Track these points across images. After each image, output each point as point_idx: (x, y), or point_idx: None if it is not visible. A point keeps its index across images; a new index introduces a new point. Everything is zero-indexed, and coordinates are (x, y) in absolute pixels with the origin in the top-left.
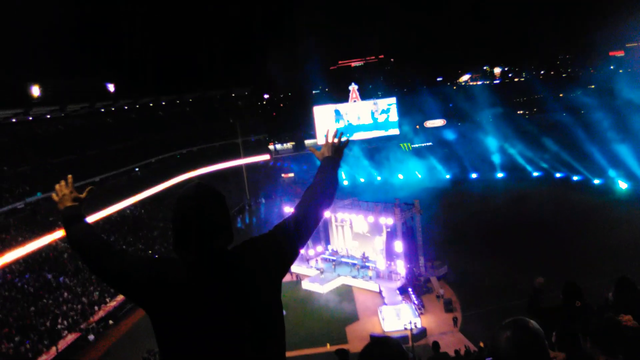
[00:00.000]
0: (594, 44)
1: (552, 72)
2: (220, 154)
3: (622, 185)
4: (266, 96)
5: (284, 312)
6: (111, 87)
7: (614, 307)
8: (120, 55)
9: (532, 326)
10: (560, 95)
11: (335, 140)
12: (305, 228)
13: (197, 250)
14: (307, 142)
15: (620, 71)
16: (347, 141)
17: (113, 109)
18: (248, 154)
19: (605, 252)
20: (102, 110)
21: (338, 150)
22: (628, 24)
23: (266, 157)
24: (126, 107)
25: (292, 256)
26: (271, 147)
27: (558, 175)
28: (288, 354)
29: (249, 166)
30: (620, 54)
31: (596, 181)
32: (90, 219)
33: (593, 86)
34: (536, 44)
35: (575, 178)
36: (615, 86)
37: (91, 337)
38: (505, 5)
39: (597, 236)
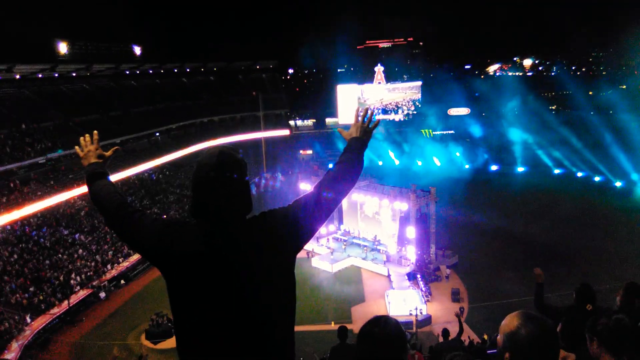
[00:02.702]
0: (629, 43)
1: (583, 69)
2: (241, 125)
3: None
4: (291, 71)
5: None
6: (137, 50)
7: (620, 312)
8: (149, 18)
9: (548, 324)
10: (590, 93)
11: (365, 120)
12: (324, 207)
13: (215, 219)
14: (328, 120)
15: None
16: (378, 122)
17: (138, 71)
18: (268, 127)
19: (621, 256)
20: (127, 72)
21: (367, 132)
22: None
23: (286, 132)
24: (151, 71)
25: (309, 233)
26: (292, 122)
27: (580, 174)
28: None
29: (268, 140)
30: None
31: (618, 183)
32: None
33: (624, 87)
34: (569, 39)
35: (596, 179)
36: None
37: (102, 294)
38: None
39: (614, 239)
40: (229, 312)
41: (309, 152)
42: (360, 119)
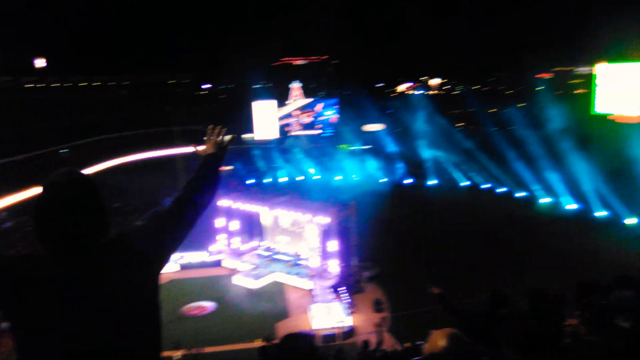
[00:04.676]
0: (527, 65)
1: (486, 88)
2: (155, 141)
3: (544, 200)
4: (206, 86)
5: (214, 305)
6: (40, 63)
7: (528, 315)
8: (53, 30)
9: (464, 339)
10: (493, 110)
11: (219, 137)
12: (183, 224)
13: (65, 243)
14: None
15: (549, 93)
16: (231, 139)
17: (40, 85)
18: (184, 143)
19: (526, 262)
20: (29, 86)
21: (221, 148)
22: (558, 49)
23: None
24: (55, 85)
25: (169, 252)
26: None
27: (485, 186)
28: (216, 348)
29: (184, 156)
30: (549, 75)
31: (519, 194)
32: (12, 199)
33: (524, 104)
34: (473, 61)
35: (500, 190)
36: (542, 106)
37: None
38: (441, 22)
39: (519, 245)
40: (86, 345)
41: (228, 168)
42: (214, 135)
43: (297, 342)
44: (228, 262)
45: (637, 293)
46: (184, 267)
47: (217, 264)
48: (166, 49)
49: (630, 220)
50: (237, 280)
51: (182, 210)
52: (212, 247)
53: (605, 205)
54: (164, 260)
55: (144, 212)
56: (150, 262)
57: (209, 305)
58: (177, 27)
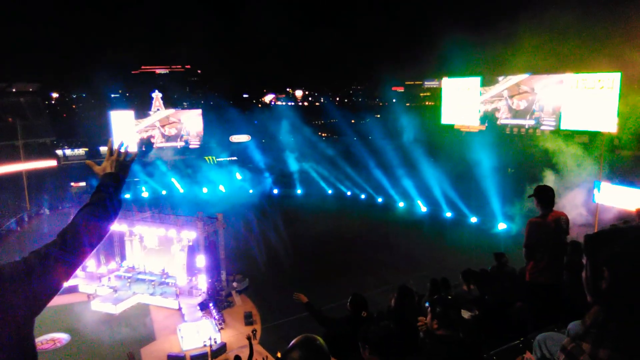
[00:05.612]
0: (379, 80)
1: (345, 100)
2: None
3: (400, 204)
4: (55, 95)
5: (69, 337)
6: None
7: (394, 312)
8: None
9: (318, 344)
10: (352, 121)
11: (120, 154)
12: (72, 259)
13: None
14: (103, 149)
15: (402, 104)
16: (135, 156)
17: None
18: (30, 158)
19: (387, 263)
20: None
21: (123, 166)
22: (408, 64)
23: (52, 162)
24: None
25: (50, 293)
26: (59, 152)
27: (348, 193)
28: None
29: (31, 172)
30: (400, 89)
31: (379, 199)
32: None
33: (379, 115)
34: (334, 74)
35: (362, 197)
36: (397, 117)
37: None
38: (304, 37)
39: (381, 247)
40: None
41: (82, 184)
42: (114, 152)
43: None
44: (85, 287)
45: (479, 286)
46: None
47: (73, 289)
48: (4, 54)
49: (473, 219)
50: (96, 306)
51: (72, 240)
52: None
53: (452, 206)
54: (43, 302)
55: None
56: (21, 307)
57: (62, 336)
58: (19, 27)
